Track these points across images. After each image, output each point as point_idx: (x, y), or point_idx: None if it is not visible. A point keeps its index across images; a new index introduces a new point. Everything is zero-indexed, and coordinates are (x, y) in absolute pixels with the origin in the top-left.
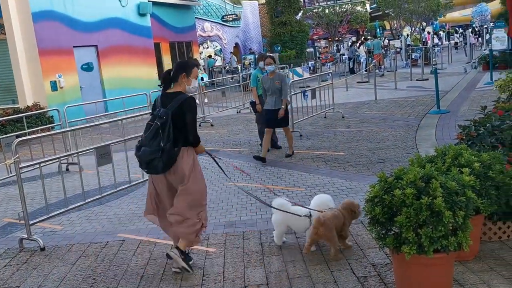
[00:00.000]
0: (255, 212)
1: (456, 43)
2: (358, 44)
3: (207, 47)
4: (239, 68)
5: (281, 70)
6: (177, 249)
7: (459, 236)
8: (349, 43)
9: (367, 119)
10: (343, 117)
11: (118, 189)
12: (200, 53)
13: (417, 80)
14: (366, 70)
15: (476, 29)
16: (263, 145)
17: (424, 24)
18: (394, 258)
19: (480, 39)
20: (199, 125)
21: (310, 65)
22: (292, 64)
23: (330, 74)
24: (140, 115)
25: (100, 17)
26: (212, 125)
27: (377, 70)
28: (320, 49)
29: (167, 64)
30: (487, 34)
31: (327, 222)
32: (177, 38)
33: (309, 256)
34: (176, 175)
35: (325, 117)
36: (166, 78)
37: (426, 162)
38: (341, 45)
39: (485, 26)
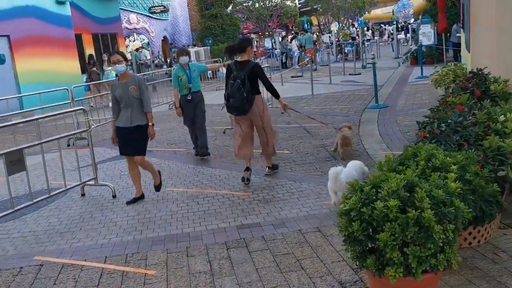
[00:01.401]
0: (198, 223)
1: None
2: (289, 39)
3: (134, 40)
4: (169, 62)
5: (215, 63)
6: (268, 167)
7: (447, 252)
8: (280, 38)
9: (307, 114)
10: (282, 113)
11: (34, 200)
12: (127, 46)
13: (349, 74)
14: (299, 65)
15: (400, 25)
16: (133, 181)
17: (351, 20)
18: (374, 281)
19: (406, 35)
20: None
21: None
22: (225, 58)
23: (266, 69)
24: (61, 113)
25: (11, 4)
26: None
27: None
28: None
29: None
30: (413, 31)
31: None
32: (100, 29)
33: (267, 276)
34: (253, 114)
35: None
36: (234, 50)
37: (397, 165)
38: (272, 39)
39: (408, 22)
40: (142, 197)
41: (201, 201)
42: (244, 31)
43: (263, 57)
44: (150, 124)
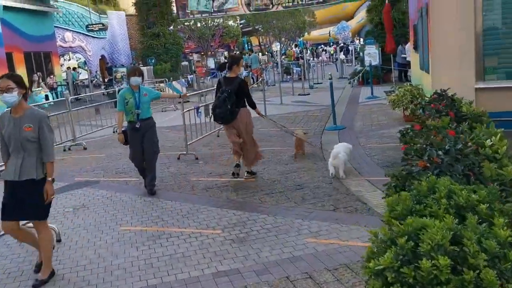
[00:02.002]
0: (165, 271)
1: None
2: None
3: (69, 59)
4: (107, 82)
5: (159, 85)
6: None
7: None
8: (223, 58)
9: (264, 137)
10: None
11: None
12: (61, 65)
13: (299, 94)
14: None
15: (339, 46)
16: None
17: (291, 41)
18: None
19: (347, 55)
20: (69, 149)
21: (189, 79)
22: (171, 78)
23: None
24: None
25: None
26: (85, 148)
27: (255, 85)
28: (194, 63)
29: (22, 75)
30: (356, 51)
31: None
32: (33, 47)
33: None
34: (236, 124)
35: (218, 136)
36: (223, 67)
37: (414, 203)
38: (215, 59)
39: (346, 43)
40: (52, 274)
41: (164, 242)
42: (186, 50)
43: (208, 76)
44: (49, 179)
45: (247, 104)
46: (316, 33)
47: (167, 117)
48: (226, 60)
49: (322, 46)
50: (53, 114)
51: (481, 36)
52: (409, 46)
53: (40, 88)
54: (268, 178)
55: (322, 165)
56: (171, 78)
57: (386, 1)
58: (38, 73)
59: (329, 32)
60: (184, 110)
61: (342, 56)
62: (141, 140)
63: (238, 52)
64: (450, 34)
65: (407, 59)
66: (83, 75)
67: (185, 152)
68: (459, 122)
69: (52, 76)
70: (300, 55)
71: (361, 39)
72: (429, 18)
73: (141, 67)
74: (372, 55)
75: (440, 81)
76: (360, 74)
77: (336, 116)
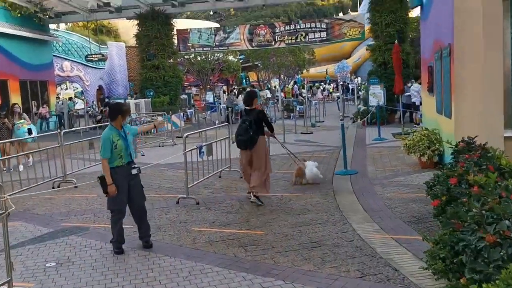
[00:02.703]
0: None
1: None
2: (236, 93)
3: (66, 88)
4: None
5: (157, 118)
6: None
7: None
8: (222, 92)
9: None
10: (241, 177)
11: None
12: (58, 95)
13: (301, 133)
14: None
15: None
16: None
17: (289, 78)
18: None
19: (346, 93)
20: (58, 187)
21: (188, 113)
22: (170, 111)
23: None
24: None
25: None
26: (76, 187)
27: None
28: (193, 96)
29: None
30: (359, 90)
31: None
32: (30, 76)
33: None
34: (254, 151)
35: (219, 177)
36: (247, 102)
37: None
38: (213, 93)
39: (346, 81)
40: None
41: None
42: (185, 83)
43: (208, 111)
44: None
45: (265, 130)
46: (313, 70)
47: (165, 153)
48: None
49: (322, 83)
50: (43, 148)
51: (511, 80)
52: (415, 87)
53: (22, 121)
54: (279, 232)
55: (339, 218)
56: (170, 111)
57: (396, 42)
58: (33, 102)
59: (326, 70)
60: (186, 150)
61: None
62: (132, 187)
63: (236, 87)
64: (476, 77)
65: (413, 100)
66: (79, 105)
67: (185, 196)
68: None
69: (45, 106)
70: (298, 92)
71: (359, 78)
72: (452, 60)
73: (139, 99)
74: (377, 95)
75: (464, 127)
76: (369, 115)
77: (343, 159)
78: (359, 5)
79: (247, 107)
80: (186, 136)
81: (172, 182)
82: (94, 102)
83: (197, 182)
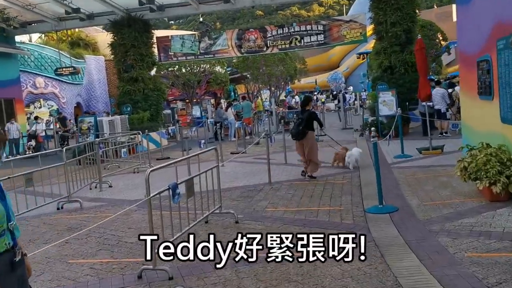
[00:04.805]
0: None
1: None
2: (225, 107)
3: (40, 107)
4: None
5: (135, 137)
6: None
7: None
8: (210, 106)
9: (277, 227)
10: (236, 222)
11: None
12: (30, 114)
13: None
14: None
15: (332, 94)
16: None
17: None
18: None
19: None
20: None
21: (170, 131)
22: (146, 130)
23: (201, 143)
24: None
25: None
26: None
27: (247, 137)
28: (177, 112)
29: None
30: (361, 98)
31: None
32: None
33: None
34: (304, 141)
35: (206, 223)
36: (303, 104)
37: None
38: (200, 107)
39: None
40: None
41: None
42: (169, 97)
43: (194, 127)
44: None
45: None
46: (302, 81)
47: (140, 183)
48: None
49: (314, 93)
50: None
51: None
52: (438, 91)
53: None
54: None
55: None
56: (146, 130)
57: (418, 36)
58: None
59: (315, 80)
60: (151, 195)
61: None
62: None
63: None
64: None
65: (436, 107)
66: (40, 126)
67: (151, 267)
68: None
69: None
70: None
71: (351, 87)
72: None
73: (115, 116)
74: (388, 103)
75: None
76: (393, 127)
77: (368, 186)
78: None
79: (303, 108)
80: (151, 172)
81: (139, 232)
82: (72, 121)
83: (172, 239)
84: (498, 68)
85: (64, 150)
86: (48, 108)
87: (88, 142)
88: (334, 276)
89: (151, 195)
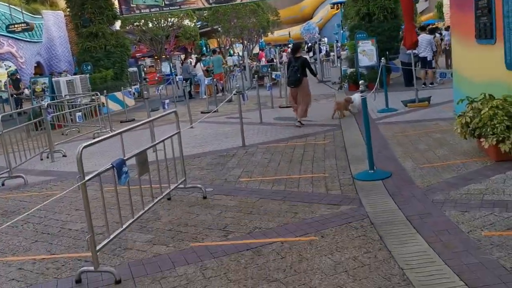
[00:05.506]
0: None
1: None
2: (194, 62)
3: None
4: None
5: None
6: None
7: None
8: (180, 62)
9: (253, 202)
10: (204, 198)
11: None
12: None
13: (280, 107)
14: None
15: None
16: None
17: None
18: None
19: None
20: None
21: (134, 90)
22: (105, 90)
23: (166, 104)
24: None
25: None
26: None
27: (220, 94)
28: (145, 69)
29: None
30: (337, 49)
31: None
32: None
33: None
34: (300, 88)
35: (169, 199)
36: (294, 51)
37: None
38: (170, 64)
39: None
40: None
41: None
42: (137, 54)
43: (161, 85)
44: None
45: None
46: (275, 34)
47: (95, 150)
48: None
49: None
50: None
51: None
52: (424, 38)
53: None
54: None
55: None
56: (104, 91)
57: None
58: None
59: (289, 33)
60: (86, 178)
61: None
62: None
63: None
64: None
65: (421, 54)
66: None
67: (92, 268)
68: None
69: None
70: (271, 56)
71: (326, 38)
72: None
73: (74, 76)
74: (368, 53)
75: None
76: (378, 79)
77: (355, 146)
78: None
79: (294, 56)
80: (82, 149)
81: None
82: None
83: (124, 227)
84: (504, 6)
85: (0, 117)
86: (6, 69)
87: (37, 106)
88: (325, 270)
89: (87, 178)
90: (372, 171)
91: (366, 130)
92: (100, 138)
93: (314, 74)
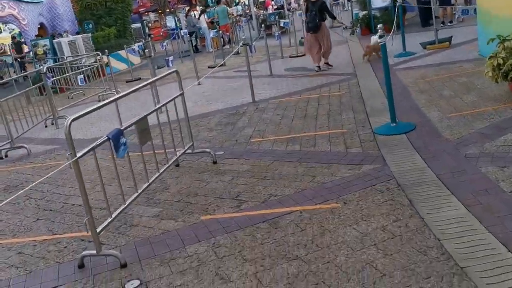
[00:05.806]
0: None
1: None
2: (198, 14)
3: (0, 32)
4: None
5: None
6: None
7: None
8: (184, 14)
9: (266, 165)
10: (214, 163)
11: None
12: None
13: (291, 56)
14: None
15: None
16: None
17: None
18: None
19: None
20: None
21: (138, 47)
22: (106, 50)
23: (170, 61)
24: None
25: None
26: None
27: (227, 46)
28: (149, 24)
29: None
30: None
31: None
32: None
33: None
34: (320, 33)
35: (177, 166)
36: None
37: None
38: (175, 17)
39: None
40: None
41: None
42: (140, 9)
43: (166, 40)
44: None
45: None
46: None
47: (100, 115)
48: None
49: None
50: None
51: None
52: None
53: None
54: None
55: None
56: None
57: None
58: None
59: None
60: (78, 155)
61: None
62: None
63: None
64: None
65: None
66: None
67: (94, 252)
68: None
69: None
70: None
71: None
72: None
73: (76, 36)
74: None
75: None
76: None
77: (373, 97)
78: None
79: (312, 0)
80: (71, 122)
81: (93, 185)
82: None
83: (127, 203)
84: None
85: None
86: (10, 32)
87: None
88: (351, 244)
89: (79, 154)
90: (394, 124)
91: (386, 79)
92: (88, 109)
93: (334, 18)
